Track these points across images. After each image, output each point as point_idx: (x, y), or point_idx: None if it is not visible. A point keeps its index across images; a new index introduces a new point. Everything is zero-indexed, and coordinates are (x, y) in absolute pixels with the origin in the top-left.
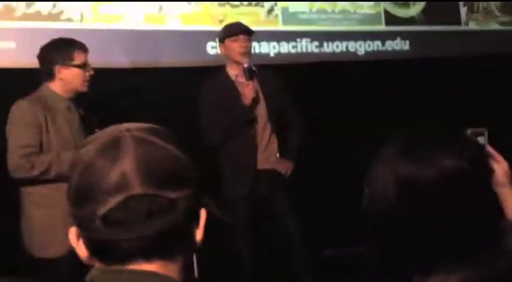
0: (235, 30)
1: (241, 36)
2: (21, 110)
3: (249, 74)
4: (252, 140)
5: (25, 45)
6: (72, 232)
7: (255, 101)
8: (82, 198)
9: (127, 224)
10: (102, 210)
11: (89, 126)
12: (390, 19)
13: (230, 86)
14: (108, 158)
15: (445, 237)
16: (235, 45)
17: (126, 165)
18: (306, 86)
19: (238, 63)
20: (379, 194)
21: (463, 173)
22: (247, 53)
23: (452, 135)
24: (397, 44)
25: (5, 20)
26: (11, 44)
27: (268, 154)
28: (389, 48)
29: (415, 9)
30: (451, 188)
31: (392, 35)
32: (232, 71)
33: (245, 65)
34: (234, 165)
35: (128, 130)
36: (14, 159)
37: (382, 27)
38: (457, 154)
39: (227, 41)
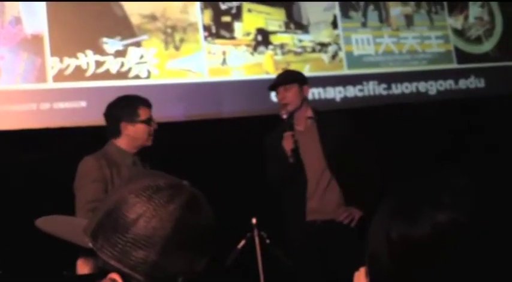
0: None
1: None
2: (86, 166)
3: (288, 124)
4: (301, 189)
5: (96, 104)
6: None
7: (294, 150)
8: (174, 250)
9: None
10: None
11: None
12: (462, 57)
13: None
14: (193, 213)
15: None
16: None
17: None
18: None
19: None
20: (375, 263)
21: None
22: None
23: (445, 185)
24: (471, 82)
25: (76, 81)
26: (83, 103)
27: (325, 203)
28: (463, 87)
29: (489, 44)
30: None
31: (465, 73)
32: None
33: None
34: (287, 213)
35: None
36: (82, 215)
37: (454, 66)
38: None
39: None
